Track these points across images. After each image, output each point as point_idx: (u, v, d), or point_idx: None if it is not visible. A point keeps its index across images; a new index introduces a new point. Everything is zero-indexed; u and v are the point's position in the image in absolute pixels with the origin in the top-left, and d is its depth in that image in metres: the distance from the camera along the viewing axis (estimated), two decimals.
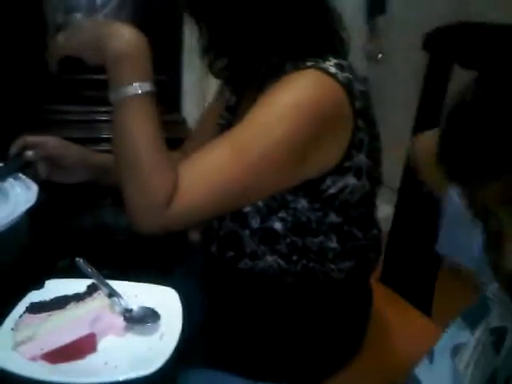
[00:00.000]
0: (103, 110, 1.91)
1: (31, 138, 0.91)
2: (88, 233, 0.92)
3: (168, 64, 1.62)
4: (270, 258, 0.77)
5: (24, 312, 0.59)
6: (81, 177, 0.94)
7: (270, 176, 0.70)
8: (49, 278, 0.67)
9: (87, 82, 2.05)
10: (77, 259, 0.70)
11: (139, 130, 0.70)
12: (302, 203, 0.75)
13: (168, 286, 0.68)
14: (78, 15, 1.87)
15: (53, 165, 0.91)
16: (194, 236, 0.93)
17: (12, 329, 0.58)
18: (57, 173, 0.92)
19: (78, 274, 0.68)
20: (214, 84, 1.83)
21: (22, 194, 0.87)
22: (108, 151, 1.00)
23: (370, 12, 1.99)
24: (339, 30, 0.78)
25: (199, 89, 1.80)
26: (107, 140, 1.54)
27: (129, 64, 0.70)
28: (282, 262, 0.77)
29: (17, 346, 0.56)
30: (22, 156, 0.91)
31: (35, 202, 0.85)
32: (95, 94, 2.04)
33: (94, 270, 0.68)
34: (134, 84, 0.70)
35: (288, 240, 0.76)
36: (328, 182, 0.74)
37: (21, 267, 0.73)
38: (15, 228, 0.79)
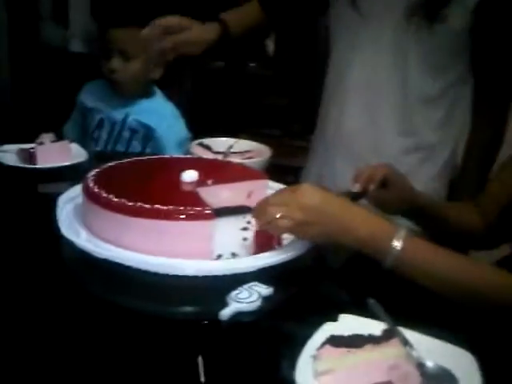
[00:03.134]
0: None
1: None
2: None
3: None
4: None
5: (325, 342, 0.62)
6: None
7: None
8: (342, 313, 0.69)
9: None
10: (369, 299, 0.71)
11: (440, 263, 0.73)
12: None
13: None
14: None
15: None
16: None
17: (311, 356, 0.61)
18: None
19: (368, 312, 0.69)
20: None
21: None
22: None
23: None
24: None
25: None
26: None
27: (376, 241, 0.73)
28: None
29: (317, 375, 0.58)
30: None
31: None
32: None
33: (387, 315, 0.68)
34: (393, 244, 0.72)
35: None
36: None
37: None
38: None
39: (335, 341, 0.61)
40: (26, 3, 2.47)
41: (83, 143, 1.34)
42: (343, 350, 0.60)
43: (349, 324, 0.66)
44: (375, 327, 0.65)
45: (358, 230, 0.74)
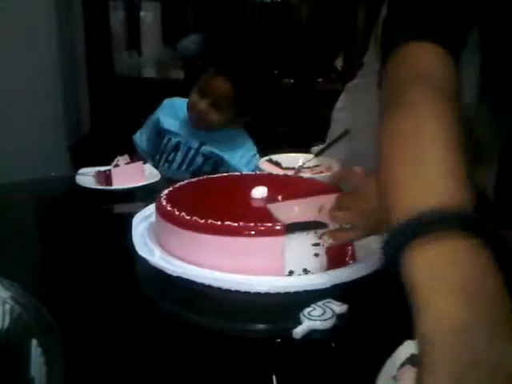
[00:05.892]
0: None
1: None
2: None
3: None
4: None
5: (405, 362, 0.58)
6: None
7: None
8: None
9: None
10: None
11: None
12: None
13: None
14: None
15: None
16: None
17: (392, 377, 0.57)
18: None
19: None
20: None
21: None
22: None
23: None
24: None
25: None
26: None
27: None
28: None
29: None
30: None
31: None
32: None
33: None
34: None
35: None
36: None
37: None
38: None
39: (416, 360, 0.58)
40: (101, 36, 2.61)
41: (154, 157, 1.36)
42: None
43: None
44: None
45: None
